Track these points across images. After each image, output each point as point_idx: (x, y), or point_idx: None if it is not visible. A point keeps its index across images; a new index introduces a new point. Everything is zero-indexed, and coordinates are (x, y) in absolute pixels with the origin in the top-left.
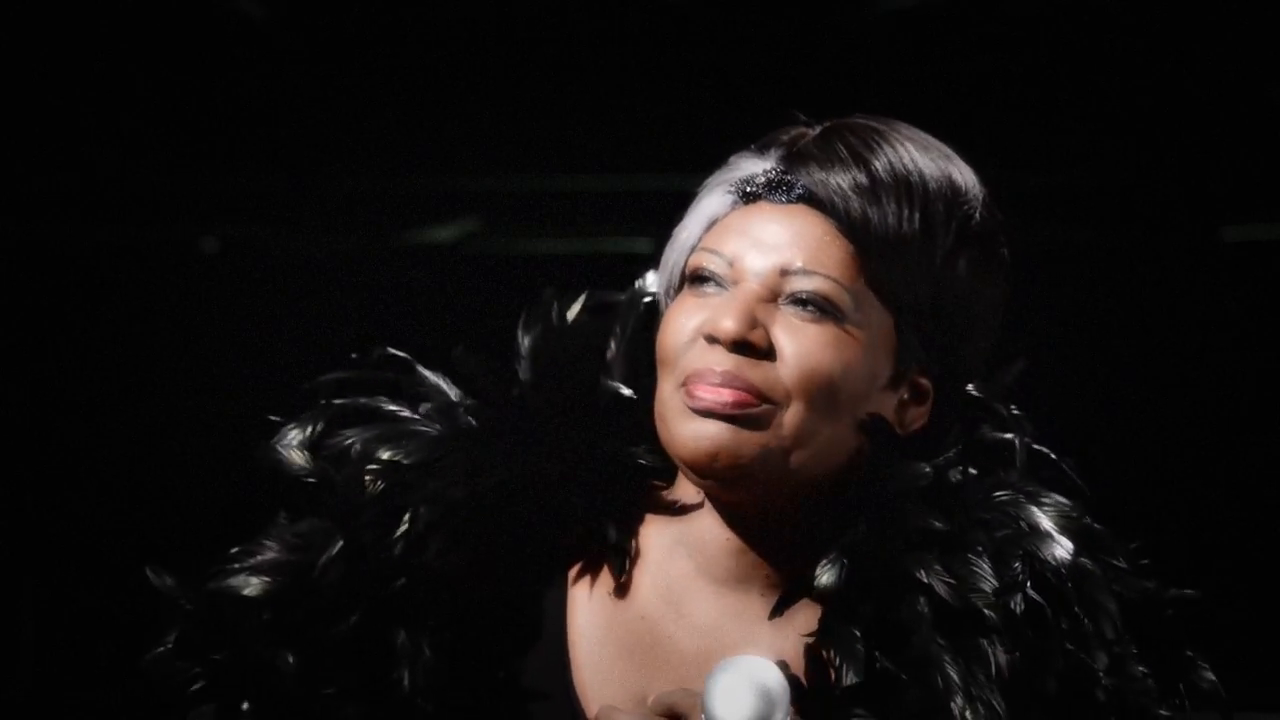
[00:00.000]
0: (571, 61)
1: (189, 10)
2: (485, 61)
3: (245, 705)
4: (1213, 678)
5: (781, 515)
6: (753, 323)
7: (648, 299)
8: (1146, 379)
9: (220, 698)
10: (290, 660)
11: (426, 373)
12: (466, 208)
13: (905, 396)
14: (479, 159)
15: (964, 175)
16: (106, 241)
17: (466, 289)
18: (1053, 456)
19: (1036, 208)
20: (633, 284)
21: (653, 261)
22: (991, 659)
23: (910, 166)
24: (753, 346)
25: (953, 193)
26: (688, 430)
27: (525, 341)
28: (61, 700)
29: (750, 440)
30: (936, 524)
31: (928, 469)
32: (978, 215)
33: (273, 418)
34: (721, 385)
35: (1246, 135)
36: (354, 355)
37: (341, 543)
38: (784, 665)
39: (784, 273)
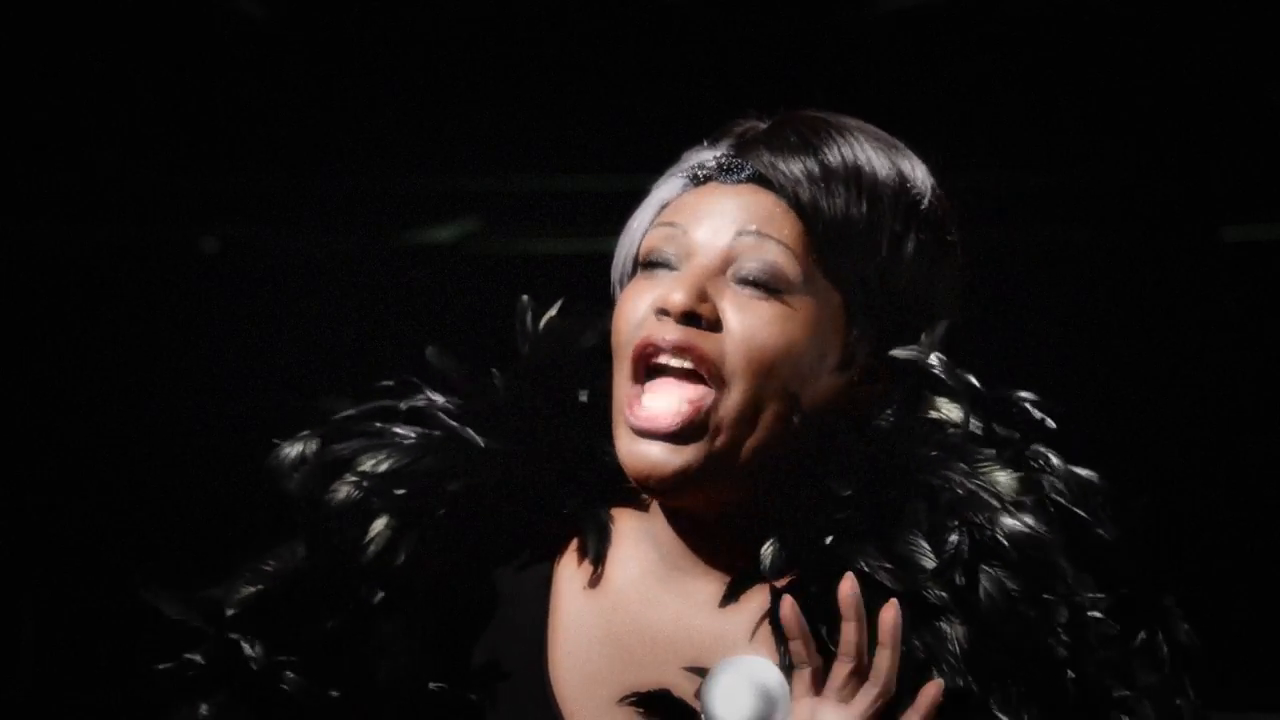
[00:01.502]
0: (571, 61)
1: (189, 10)
2: (485, 61)
3: (226, 701)
4: (1187, 627)
5: (732, 508)
6: (702, 295)
7: None
8: (1146, 379)
9: (203, 696)
10: (269, 658)
11: (434, 395)
12: (466, 208)
13: (857, 378)
14: (479, 159)
15: (912, 165)
16: (106, 241)
17: (466, 289)
18: (1018, 395)
19: (1036, 208)
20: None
21: None
22: (948, 632)
23: (859, 155)
24: (701, 318)
25: (900, 180)
26: (627, 449)
27: (522, 346)
28: (61, 700)
29: (690, 455)
30: (851, 495)
31: (852, 445)
32: (926, 202)
33: (275, 441)
34: (672, 353)
35: (1246, 135)
36: (385, 383)
37: (311, 549)
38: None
39: (739, 234)
